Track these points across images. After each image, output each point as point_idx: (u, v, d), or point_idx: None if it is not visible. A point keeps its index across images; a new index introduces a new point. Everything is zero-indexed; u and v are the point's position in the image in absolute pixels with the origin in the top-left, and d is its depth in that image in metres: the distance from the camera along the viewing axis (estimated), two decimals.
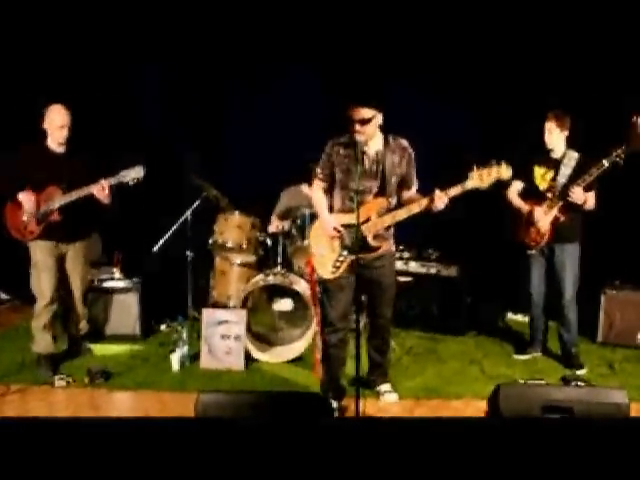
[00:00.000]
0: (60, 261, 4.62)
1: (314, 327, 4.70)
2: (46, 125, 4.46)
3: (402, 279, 5.42)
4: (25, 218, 4.42)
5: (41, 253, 4.49)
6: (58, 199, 4.38)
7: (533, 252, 4.68)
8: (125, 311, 5.33)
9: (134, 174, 4.35)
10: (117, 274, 5.51)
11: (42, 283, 4.51)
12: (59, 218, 4.41)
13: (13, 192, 4.41)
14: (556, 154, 4.57)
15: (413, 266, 5.72)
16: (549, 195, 4.54)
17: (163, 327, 5.69)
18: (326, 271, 3.88)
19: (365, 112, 3.62)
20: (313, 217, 4.50)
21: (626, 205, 5.48)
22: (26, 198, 4.39)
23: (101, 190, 4.32)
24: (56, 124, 4.43)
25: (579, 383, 4.27)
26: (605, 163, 4.23)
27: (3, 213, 4.54)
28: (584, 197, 4.36)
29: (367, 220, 3.73)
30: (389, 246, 3.96)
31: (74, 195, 4.35)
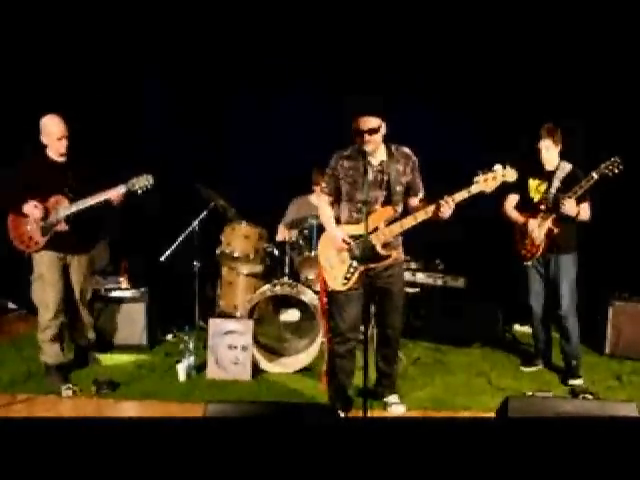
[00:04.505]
0: (65, 272, 4.55)
1: (321, 338, 4.70)
2: (44, 138, 4.35)
3: (409, 290, 5.41)
4: (29, 227, 4.34)
5: (46, 266, 4.40)
6: (65, 208, 4.31)
7: (529, 264, 4.70)
8: (132, 321, 5.33)
9: (143, 182, 4.31)
10: (124, 284, 5.52)
11: (47, 296, 4.43)
12: (66, 228, 4.34)
13: (15, 206, 4.32)
14: (550, 167, 4.60)
15: (420, 277, 5.72)
16: (542, 207, 4.56)
17: (170, 337, 5.68)
18: (337, 283, 3.87)
19: (373, 121, 3.67)
20: (321, 227, 4.48)
21: (634, 216, 5.47)
22: (31, 208, 4.29)
23: (115, 195, 4.28)
24: (55, 136, 4.32)
25: (587, 396, 4.26)
26: (594, 175, 4.25)
27: (5, 225, 4.43)
28: (577, 209, 4.36)
29: (375, 229, 3.73)
30: (398, 254, 3.95)
31: (85, 203, 4.28)
